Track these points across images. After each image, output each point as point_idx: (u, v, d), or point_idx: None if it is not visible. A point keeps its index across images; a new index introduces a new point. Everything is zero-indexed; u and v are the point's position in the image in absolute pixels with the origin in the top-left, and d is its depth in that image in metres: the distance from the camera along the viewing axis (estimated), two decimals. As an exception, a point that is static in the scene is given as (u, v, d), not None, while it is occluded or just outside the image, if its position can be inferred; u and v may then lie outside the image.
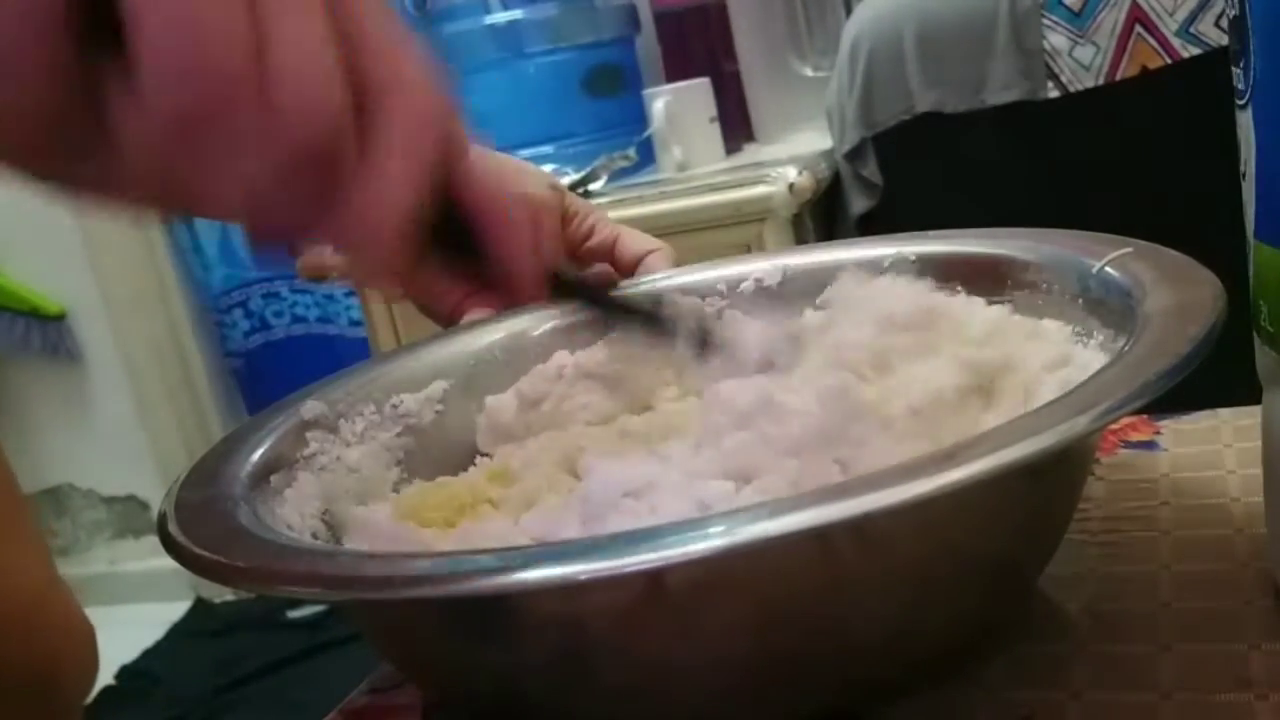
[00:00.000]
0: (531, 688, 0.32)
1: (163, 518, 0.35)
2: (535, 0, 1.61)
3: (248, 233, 0.29)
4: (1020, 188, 1.14)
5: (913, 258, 0.48)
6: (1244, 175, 0.32)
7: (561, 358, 0.47)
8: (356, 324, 2.25)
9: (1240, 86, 0.31)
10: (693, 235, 1.32)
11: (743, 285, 0.52)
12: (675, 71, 1.64)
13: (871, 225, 1.27)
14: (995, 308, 0.44)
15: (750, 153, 1.65)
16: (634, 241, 0.59)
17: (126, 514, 2.47)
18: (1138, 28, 1.05)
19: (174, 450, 2.28)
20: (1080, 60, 1.08)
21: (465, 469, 0.46)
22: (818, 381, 0.38)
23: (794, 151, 1.48)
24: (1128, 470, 0.45)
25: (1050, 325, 0.42)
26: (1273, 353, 0.32)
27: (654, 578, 0.28)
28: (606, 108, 1.64)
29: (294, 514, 0.39)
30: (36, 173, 0.27)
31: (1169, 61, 1.04)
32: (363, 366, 0.49)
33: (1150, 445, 0.47)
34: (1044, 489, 0.34)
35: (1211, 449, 0.45)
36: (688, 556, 0.25)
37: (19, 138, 0.26)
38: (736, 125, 1.66)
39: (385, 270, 0.30)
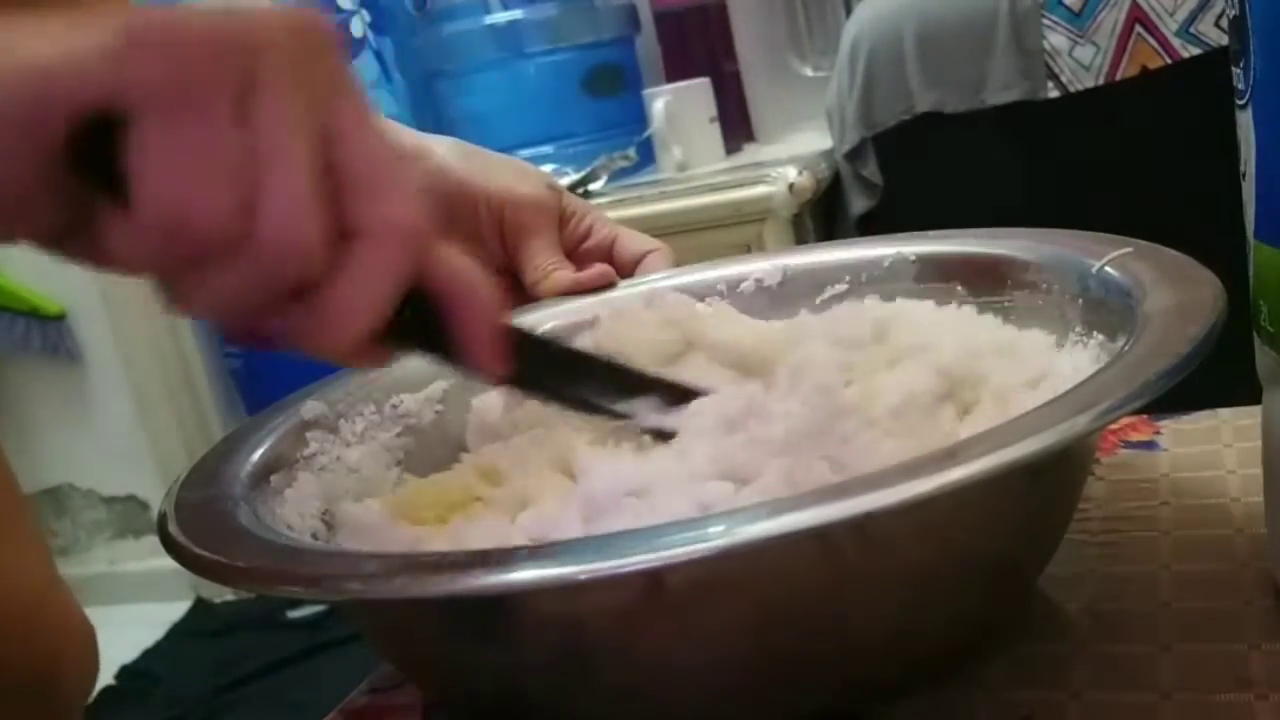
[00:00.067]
0: (531, 688, 0.32)
1: (163, 518, 0.35)
2: (535, 0, 1.61)
3: (222, 333, 0.32)
4: (1020, 188, 1.14)
5: (912, 258, 0.48)
6: (1244, 175, 0.32)
7: None
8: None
9: (1240, 86, 0.31)
10: (693, 235, 1.32)
11: (743, 285, 0.52)
12: (675, 71, 1.64)
13: (871, 225, 1.27)
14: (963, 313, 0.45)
15: (750, 153, 1.65)
16: (633, 241, 0.59)
17: (126, 514, 2.47)
18: (1138, 28, 1.05)
19: (174, 450, 2.28)
20: (1080, 60, 1.08)
21: (465, 469, 0.46)
22: (800, 385, 0.38)
23: (794, 151, 1.48)
24: (1128, 470, 0.45)
25: (1030, 338, 0.42)
26: (1273, 353, 0.32)
27: (654, 578, 0.28)
28: (606, 108, 1.64)
29: (294, 514, 0.39)
30: (29, 244, 0.30)
31: (1169, 61, 1.04)
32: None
33: (1150, 445, 0.47)
34: (1044, 489, 0.34)
35: (1211, 449, 0.45)
36: (688, 556, 0.25)
37: (12, 229, 0.29)
38: (736, 125, 1.66)
39: (350, 361, 0.33)
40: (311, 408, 0.44)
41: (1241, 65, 0.31)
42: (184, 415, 2.30)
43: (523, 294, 0.56)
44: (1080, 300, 0.41)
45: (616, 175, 1.52)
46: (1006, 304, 0.45)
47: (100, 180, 0.28)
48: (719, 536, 0.26)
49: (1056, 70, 1.09)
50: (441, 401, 0.48)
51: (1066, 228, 0.45)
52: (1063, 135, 1.11)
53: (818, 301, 0.50)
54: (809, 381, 0.37)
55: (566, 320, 0.52)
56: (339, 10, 1.70)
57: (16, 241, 0.29)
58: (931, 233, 0.49)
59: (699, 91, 1.54)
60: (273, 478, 0.40)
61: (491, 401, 0.47)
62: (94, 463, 2.43)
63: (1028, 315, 0.44)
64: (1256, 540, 0.38)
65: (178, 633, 2.20)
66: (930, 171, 1.22)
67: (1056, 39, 1.09)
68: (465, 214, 0.56)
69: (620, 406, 0.41)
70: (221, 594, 2.24)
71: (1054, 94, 1.10)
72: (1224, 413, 0.48)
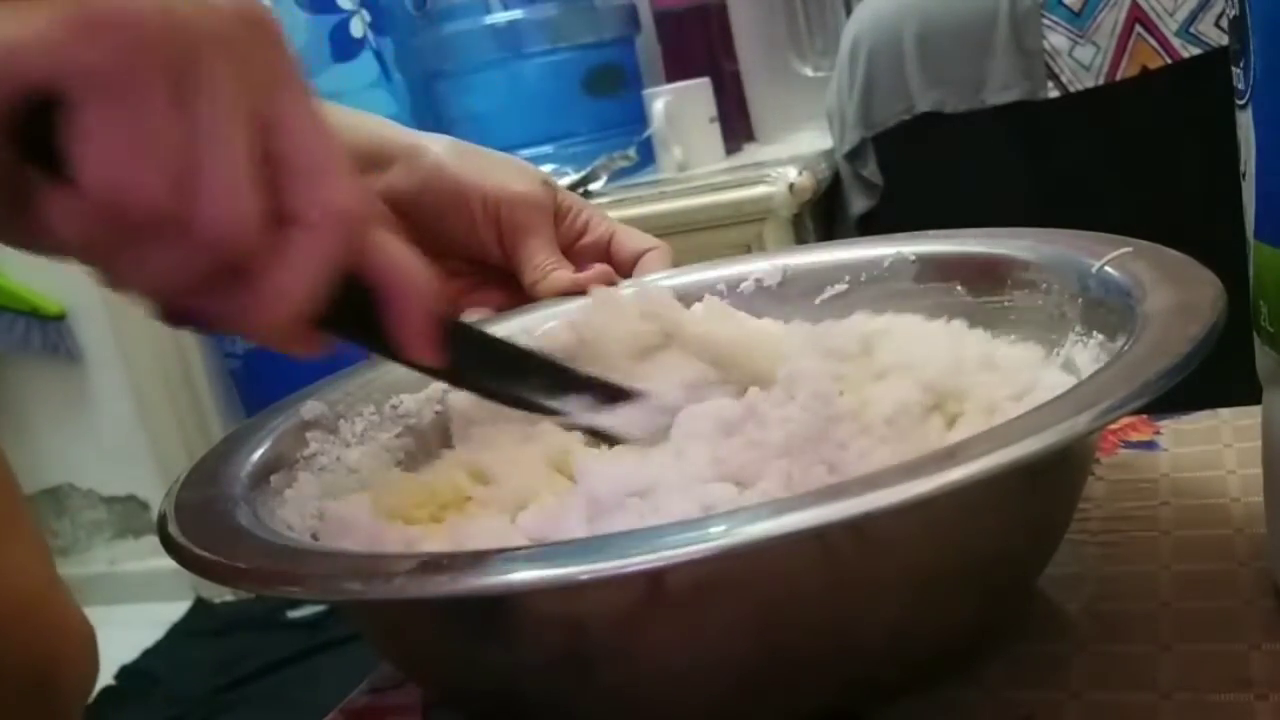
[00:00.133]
0: (532, 688, 0.32)
1: (163, 518, 0.35)
2: (535, 0, 1.61)
3: (159, 313, 0.32)
4: (1020, 188, 1.14)
5: (912, 258, 0.48)
6: (1244, 175, 0.32)
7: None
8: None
9: (1240, 86, 0.31)
10: (693, 235, 1.32)
11: (742, 285, 0.52)
12: (675, 71, 1.64)
13: (871, 225, 1.27)
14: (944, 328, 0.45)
15: (750, 153, 1.65)
16: (630, 240, 0.59)
17: (126, 514, 2.47)
18: (1138, 28, 1.05)
19: (174, 450, 2.27)
20: (1080, 60, 1.08)
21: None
22: (796, 392, 0.38)
23: (794, 151, 1.48)
24: (1128, 470, 0.45)
25: (1016, 353, 0.42)
26: (1273, 353, 0.32)
27: (655, 578, 0.28)
28: (606, 108, 1.64)
29: (294, 514, 0.39)
30: None
31: (1169, 61, 1.04)
32: (362, 367, 0.49)
33: (1150, 445, 0.47)
34: (1044, 488, 0.34)
35: (1211, 449, 0.45)
36: (689, 557, 0.25)
37: None
38: (736, 125, 1.66)
39: (285, 345, 0.34)
40: (311, 408, 0.44)
41: (1241, 65, 0.31)
42: (184, 415, 2.30)
43: (521, 294, 0.56)
44: (1080, 300, 0.41)
45: (616, 175, 1.52)
46: (1006, 304, 0.45)
47: (40, 158, 0.28)
48: (720, 537, 0.26)
49: (1056, 70, 1.09)
50: (441, 402, 0.48)
51: (1066, 227, 0.45)
52: (1063, 135, 1.11)
53: (818, 302, 0.50)
54: (806, 388, 0.37)
55: (566, 320, 0.52)
56: (339, 10, 1.70)
57: None
58: (931, 233, 0.49)
59: (699, 91, 1.54)
60: (273, 478, 0.40)
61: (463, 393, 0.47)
62: (94, 463, 2.43)
63: (1027, 316, 0.44)
64: (1256, 540, 0.38)
65: (178, 633, 2.19)
66: (930, 172, 1.22)
67: (1056, 39, 1.09)
68: (462, 213, 0.56)
69: (554, 403, 0.42)
70: (221, 594, 2.24)
71: (1054, 94, 1.10)
72: (1224, 413, 0.48)
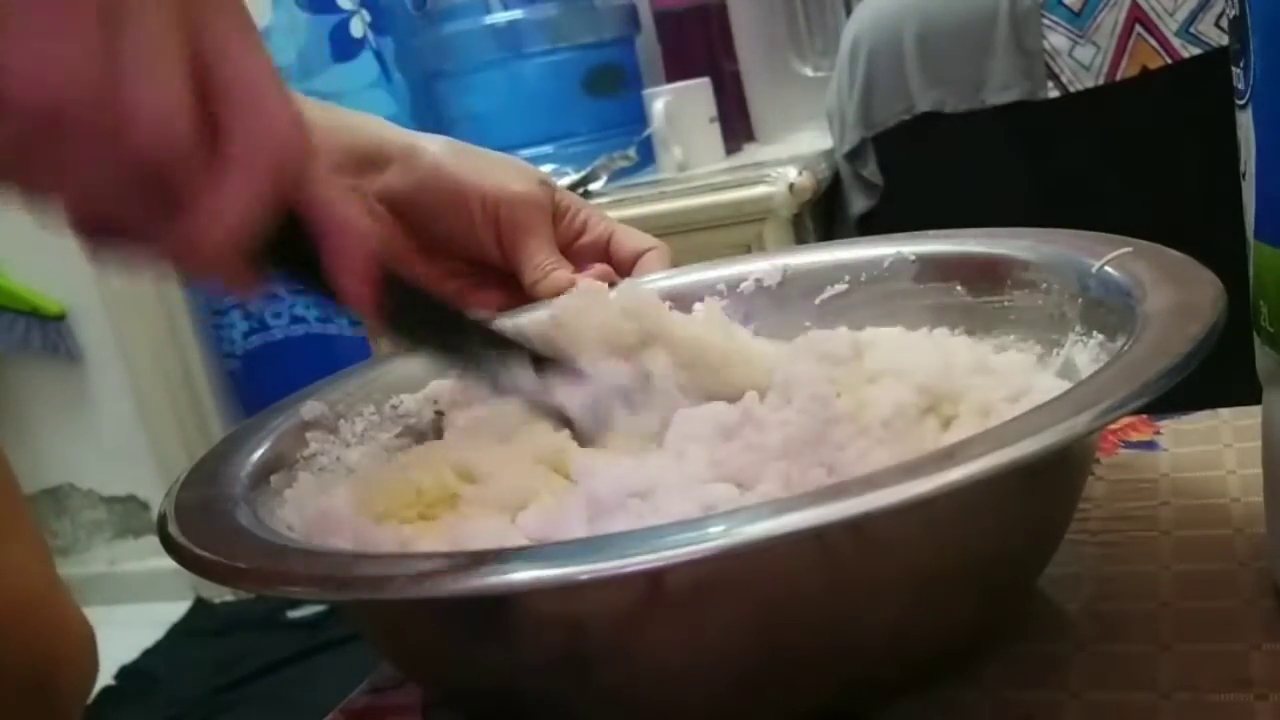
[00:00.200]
0: (531, 687, 0.32)
1: (163, 518, 0.35)
2: (535, 0, 1.61)
3: (79, 232, 0.32)
4: (1020, 188, 1.14)
5: (912, 257, 0.48)
6: (1244, 175, 0.32)
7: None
8: (356, 324, 2.25)
9: (1240, 86, 0.31)
10: (693, 235, 1.32)
11: (743, 285, 0.52)
12: (675, 71, 1.64)
13: (871, 225, 1.27)
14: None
15: (750, 153, 1.65)
16: (629, 239, 0.59)
17: (126, 514, 2.47)
18: (1138, 28, 1.05)
19: (174, 450, 2.27)
20: (1080, 60, 1.08)
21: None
22: (794, 395, 0.38)
23: (794, 151, 1.48)
24: (1128, 470, 0.45)
25: (1008, 359, 0.42)
26: (1273, 353, 0.32)
27: (654, 578, 0.28)
28: (606, 108, 1.64)
29: (294, 514, 0.39)
30: None
31: (1169, 61, 1.04)
32: (362, 367, 0.49)
33: (1150, 445, 0.47)
34: (1044, 489, 0.34)
35: (1211, 449, 0.45)
36: (689, 557, 0.25)
37: None
38: (736, 125, 1.66)
39: (224, 281, 0.33)
40: (311, 408, 0.44)
41: (1241, 65, 0.31)
42: (184, 415, 2.30)
43: (521, 294, 0.56)
44: (1080, 300, 0.41)
45: (616, 175, 1.52)
46: (1006, 304, 0.45)
47: None
48: (719, 537, 0.26)
49: (1056, 70, 1.09)
50: (440, 401, 0.48)
51: (1066, 227, 0.45)
52: (1063, 135, 1.11)
53: (818, 302, 0.50)
54: (804, 391, 0.37)
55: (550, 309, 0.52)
56: (339, 10, 1.70)
57: None
58: (931, 232, 0.49)
59: (699, 91, 1.54)
60: (273, 478, 0.40)
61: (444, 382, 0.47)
62: (94, 463, 2.43)
63: (1027, 316, 0.44)
64: (1256, 540, 0.38)
65: (178, 633, 2.20)
66: (930, 172, 1.22)
67: (1056, 39, 1.09)
68: (460, 213, 0.56)
69: (488, 362, 0.42)
70: (221, 594, 2.24)
71: (1054, 94, 1.10)
72: (1224, 413, 0.48)
